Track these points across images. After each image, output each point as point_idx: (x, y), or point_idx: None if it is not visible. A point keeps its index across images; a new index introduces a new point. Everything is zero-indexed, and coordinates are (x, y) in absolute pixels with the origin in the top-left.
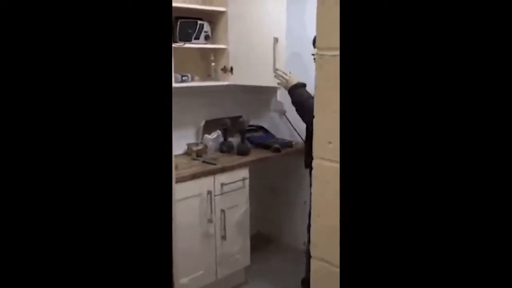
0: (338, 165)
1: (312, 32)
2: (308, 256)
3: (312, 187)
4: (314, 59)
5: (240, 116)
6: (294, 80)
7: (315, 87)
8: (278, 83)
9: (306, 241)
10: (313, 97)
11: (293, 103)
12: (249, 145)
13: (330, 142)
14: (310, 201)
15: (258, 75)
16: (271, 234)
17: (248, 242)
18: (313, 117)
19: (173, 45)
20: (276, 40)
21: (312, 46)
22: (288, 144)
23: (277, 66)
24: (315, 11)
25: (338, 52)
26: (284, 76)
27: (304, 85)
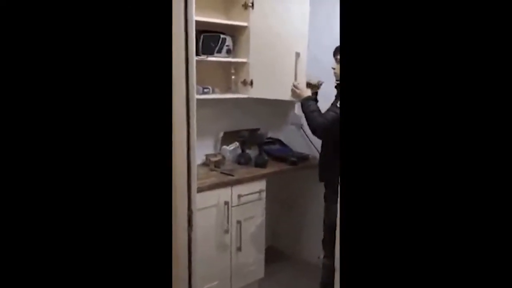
0: None
1: (331, 44)
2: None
3: (338, 203)
4: (335, 73)
5: (258, 129)
6: (306, 93)
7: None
8: (291, 95)
9: (322, 255)
10: (319, 111)
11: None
12: (266, 157)
13: None
14: (325, 214)
15: (277, 89)
16: (285, 247)
17: (262, 254)
18: (316, 128)
19: (196, 58)
20: (298, 54)
21: (333, 59)
22: (305, 157)
23: (297, 80)
24: (333, 24)
25: None
26: (296, 90)
27: (314, 99)
